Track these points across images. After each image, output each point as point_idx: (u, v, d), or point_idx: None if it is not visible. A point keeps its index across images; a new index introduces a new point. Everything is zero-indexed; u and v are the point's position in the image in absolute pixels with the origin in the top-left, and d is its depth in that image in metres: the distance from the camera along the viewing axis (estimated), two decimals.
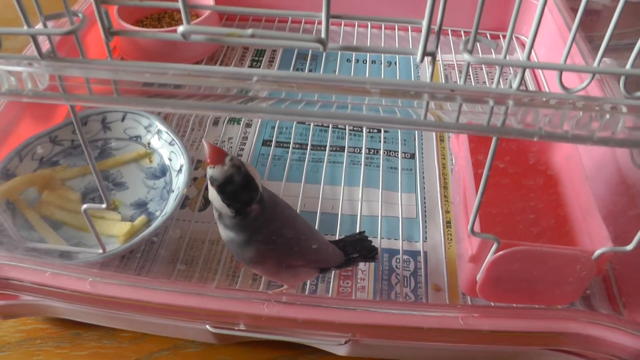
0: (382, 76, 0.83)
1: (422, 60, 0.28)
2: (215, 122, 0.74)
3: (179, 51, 0.79)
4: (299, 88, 0.28)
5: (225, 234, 0.44)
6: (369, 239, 0.54)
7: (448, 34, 0.90)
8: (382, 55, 0.88)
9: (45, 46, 0.32)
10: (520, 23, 0.88)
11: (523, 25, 0.88)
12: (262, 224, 0.43)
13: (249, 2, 0.89)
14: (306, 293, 0.54)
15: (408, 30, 0.92)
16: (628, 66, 0.31)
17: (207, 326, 0.47)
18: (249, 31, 0.26)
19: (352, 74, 0.83)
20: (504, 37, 0.89)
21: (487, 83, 0.82)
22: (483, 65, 0.85)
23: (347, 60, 0.86)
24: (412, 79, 0.83)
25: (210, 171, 0.41)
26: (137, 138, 0.66)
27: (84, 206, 0.43)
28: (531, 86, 0.80)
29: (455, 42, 0.89)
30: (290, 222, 0.46)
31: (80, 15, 0.31)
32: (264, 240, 0.44)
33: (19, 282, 0.46)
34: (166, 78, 0.29)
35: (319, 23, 0.91)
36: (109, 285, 0.44)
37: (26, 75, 0.31)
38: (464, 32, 0.90)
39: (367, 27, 0.92)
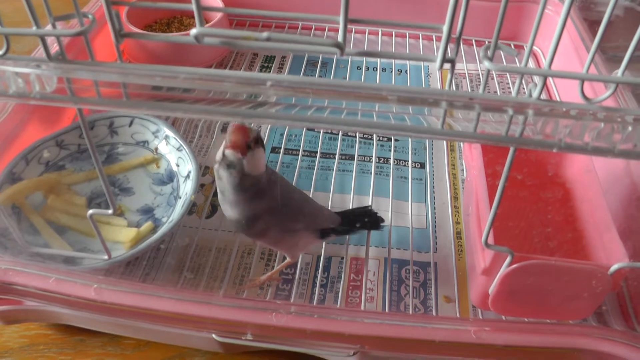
0: (394, 84, 0.83)
1: (441, 67, 0.27)
2: (224, 128, 0.73)
3: (188, 56, 0.79)
4: (314, 94, 0.27)
5: (232, 212, 0.46)
6: (377, 213, 0.56)
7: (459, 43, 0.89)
8: (393, 62, 0.87)
9: (54, 48, 0.31)
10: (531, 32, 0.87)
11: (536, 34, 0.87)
12: (267, 191, 0.46)
13: (255, 7, 0.88)
14: (314, 303, 0.53)
15: (419, 38, 0.91)
16: None
17: (214, 335, 0.46)
18: (265, 34, 0.25)
19: (363, 82, 0.82)
20: (516, 46, 0.88)
21: (498, 91, 0.81)
22: (494, 73, 0.84)
23: (358, 67, 0.86)
24: (424, 87, 0.83)
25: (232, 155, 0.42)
26: (144, 143, 0.66)
27: (90, 211, 0.43)
28: (543, 96, 0.79)
29: (466, 50, 0.89)
30: (289, 187, 0.51)
31: (90, 16, 0.30)
32: (268, 209, 0.46)
33: (23, 288, 0.45)
34: (177, 82, 0.28)
35: (330, 30, 0.90)
36: (114, 292, 0.44)
37: (34, 77, 0.30)
38: (475, 40, 0.89)
39: (378, 34, 0.92)
